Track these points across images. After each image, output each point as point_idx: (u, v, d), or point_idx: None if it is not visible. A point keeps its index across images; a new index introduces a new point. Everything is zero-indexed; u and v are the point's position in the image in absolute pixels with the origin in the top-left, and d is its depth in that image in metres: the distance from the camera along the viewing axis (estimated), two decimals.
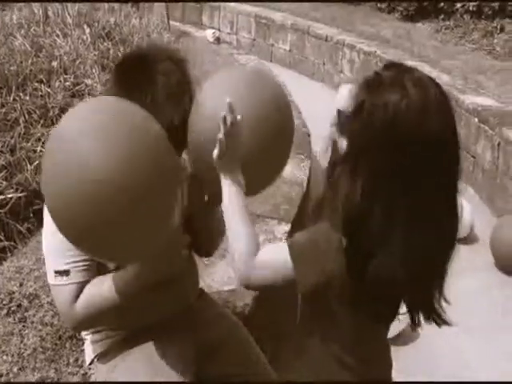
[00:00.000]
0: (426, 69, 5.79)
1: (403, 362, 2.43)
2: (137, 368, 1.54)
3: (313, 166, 3.59)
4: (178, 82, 1.41)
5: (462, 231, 3.77)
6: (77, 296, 1.42)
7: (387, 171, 1.07)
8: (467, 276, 3.24)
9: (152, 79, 1.38)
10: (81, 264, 1.42)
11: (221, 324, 1.73)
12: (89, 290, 1.42)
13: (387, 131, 1.06)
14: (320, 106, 4.74)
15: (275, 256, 1.20)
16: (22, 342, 2.02)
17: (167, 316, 1.59)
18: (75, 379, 1.92)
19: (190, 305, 1.69)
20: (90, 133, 1.14)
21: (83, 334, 1.67)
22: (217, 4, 10.06)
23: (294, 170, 3.35)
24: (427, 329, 1.30)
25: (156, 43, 4.00)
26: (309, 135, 3.98)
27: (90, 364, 1.66)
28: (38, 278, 2.23)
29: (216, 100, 1.28)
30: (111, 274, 1.43)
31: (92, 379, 1.70)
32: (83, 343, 1.98)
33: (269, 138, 1.33)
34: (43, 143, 2.95)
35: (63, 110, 3.30)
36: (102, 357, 1.61)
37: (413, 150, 1.05)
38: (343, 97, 1.16)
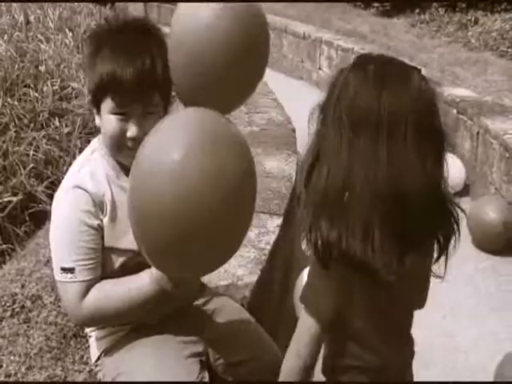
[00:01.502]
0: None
1: None
2: (144, 360, 1.57)
3: (299, 160, 3.67)
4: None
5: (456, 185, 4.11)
6: (83, 295, 1.45)
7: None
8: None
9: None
10: (87, 263, 1.45)
11: (226, 311, 1.78)
12: (99, 293, 1.45)
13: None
14: (302, 103, 4.82)
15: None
16: (27, 342, 2.05)
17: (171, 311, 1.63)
18: (81, 376, 1.96)
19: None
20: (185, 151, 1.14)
21: (87, 330, 1.71)
22: None
23: (282, 166, 3.42)
24: (416, 314, 1.33)
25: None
26: (294, 131, 4.05)
27: (97, 361, 1.69)
28: (40, 280, 2.26)
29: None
30: (126, 283, 1.45)
31: (99, 376, 1.71)
32: (87, 341, 2.05)
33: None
34: (35, 147, 2.99)
35: (52, 114, 3.34)
36: (108, 352, 1.64)
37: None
38: None
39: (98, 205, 1.47)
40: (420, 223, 1.12)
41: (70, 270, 1.45)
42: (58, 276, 1.47)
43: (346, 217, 1.12)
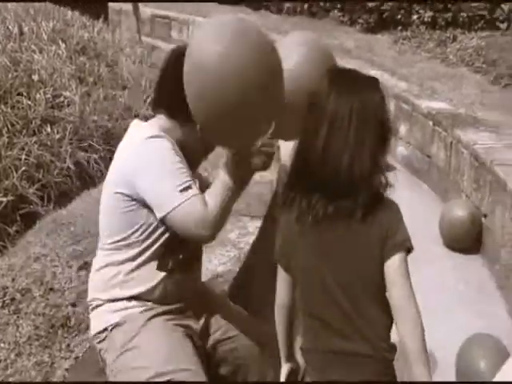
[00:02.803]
0: (385, 77, 6.10)
1: None
2: (159, 339, 1.70)
3: (281, 166, 3.82)
4: None
5: None
6: (205, 203, 1.60)
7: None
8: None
9: None
10: (192, 179, 1.62)
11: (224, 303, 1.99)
12: (208, 197, 1.61)
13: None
14: None
15: None
16: (17, 330, 2.18)
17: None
18: (68, 363, 2.10)
19: (196, 289, 1.89)
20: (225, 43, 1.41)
21: (95, 302, 1.77)
22: (186, 18, 10.29)
23: (263, 172, 3.57)
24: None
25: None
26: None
27: (101, 332, 1.74)
28: (30, 274, 2.40)
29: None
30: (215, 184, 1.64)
31: (99, 347, 1.75)
32: (74, 330, 2.19)
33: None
34: (27, 152, 3.13)
35: (44, 121, 3.49)
36: (119, 326, 1.71)
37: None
38: None
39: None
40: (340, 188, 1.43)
41: (188, 188, 1.61)
42: (179, 199, 1.58)
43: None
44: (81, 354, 2.06)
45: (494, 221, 3.75)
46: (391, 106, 5.61)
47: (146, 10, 10.20)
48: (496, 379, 0.80)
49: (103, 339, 1.74)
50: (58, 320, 2.17)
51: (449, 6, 6.88)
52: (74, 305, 2.24)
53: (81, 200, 3.03)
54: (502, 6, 6.56)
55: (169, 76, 1.73)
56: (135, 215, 1.70)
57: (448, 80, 5.81)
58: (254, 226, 2.96)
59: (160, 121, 1.75)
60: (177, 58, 1.65)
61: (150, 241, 1.71)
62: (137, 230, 1.70)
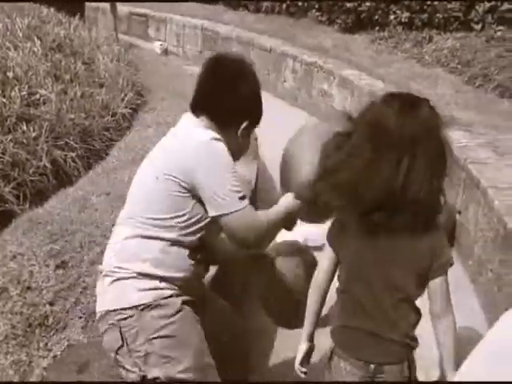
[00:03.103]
0: (362, 77, 6.16)
1: None
2: (192, 331, 1.81)
3: (259, 166, 3.84)
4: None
5: None
6: (257, 215, 1.86)
7: None
8: None
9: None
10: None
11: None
12: (265, 213, 1.91)
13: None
14: (265, 113, 5.01)
15: None
16: None
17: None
18: (46, 362, 2.09)
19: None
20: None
21: (119, 272, 1.79)
22: (163, 17, 10.26)
23: (244, 171, 3.59)
24: None
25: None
26: (256, 139, 4.22)
27: (127, 309, 1.74)
28: (6, 273, 2.37)
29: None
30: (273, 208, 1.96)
31: (122, 324, 1.74)
32: (52, 329, 2.18)
33: None
34: (3, 150, 3.10)
35: (20, 119, 3.45)
36: (152, 308, 1.75)
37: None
38: None
39: None
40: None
41: (245, 197, 1.81)
42: (238, 205, 1.77)
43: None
44: (59, 353, 2.06)
45: (467, 217, 3.82)
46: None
47: (124, 7, 10.15)
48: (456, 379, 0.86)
49: (130, 317, 1.75)
50: (36, 319, 2.16)
51: (425, 7, 6.95)
52: (51, 304, 2.23)
53: (57, 199, 3.02)
54: (477, 7, 6.66)
55: (210, 82, 1.95)
56: (183, 202, 1.82)
57: (423, 80, 5.87)
58: None
59: (203, 123, 1.90)
60: (214, 65, 1.99)
61: (189, 230, 1.83)
62: (180, 216, 1.81)
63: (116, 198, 3.05)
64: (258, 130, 4.34)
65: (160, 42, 8.15)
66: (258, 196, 3.80)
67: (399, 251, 1.64)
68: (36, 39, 4.90)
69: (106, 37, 6.47)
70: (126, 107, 4.25)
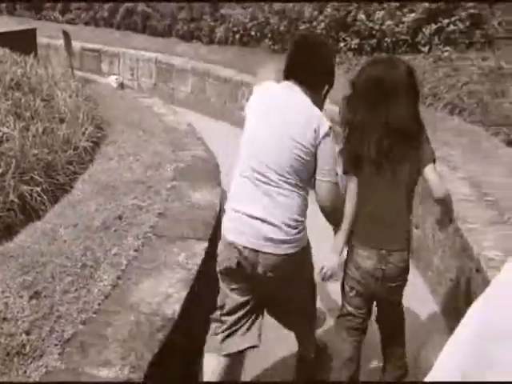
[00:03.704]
0: None
1: None
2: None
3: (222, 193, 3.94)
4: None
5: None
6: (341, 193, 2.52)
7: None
8: None
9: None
10: None
11: None
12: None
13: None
14: (224, 141, 5.20)
15: None
16: None
17: None
18: None
19: None
20: None
21: (295, 222, 2.39)
22: (116, 51, 10.37)
23: (207, 197, 3.69)
24: None
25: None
26: (218, 166, 4.33)
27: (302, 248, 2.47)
28: None
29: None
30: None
31: (297, 259, 2.46)
32: (30, 357, 2.20)
33: None
34: None
35: None
36: (306, 247, 2.54)
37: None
38: None
39: None
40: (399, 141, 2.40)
41: (337, 174, 2.46)
42: (334, 178, 2.43)
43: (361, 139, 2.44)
44: (38, 379, 2.08)
45: (425, 231, 3.98)
46: None
47: (76, 44, 10.23)
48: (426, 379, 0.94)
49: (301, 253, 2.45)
50: (13, 348, 2.18)
51: (373, 32, 7.24)
52: (27, 333, 2.26)
53: (26, 232, 3.05)
54: (423, 30, 6.98)
55: (301, 55, 2.48)
56: (310, 169, 2.38)
57: None
58: (201, 247, 3.06)
59: (295, 86, 2.42)
60: (303, 42, 2.58)
61: (305, 190, 2.44)
62: (307, 180, 2.41)
63: (84, 228, 3.10)
64: (218, 158, 4.50)
65: (115, 76, 8.23)
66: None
67: (405, 161, 2.42)
68: None
69: (63, 73, 6.52)
70: (87, 140, 4.30)
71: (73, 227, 3.08)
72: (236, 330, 2.56)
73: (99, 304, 2.50)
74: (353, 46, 7.47)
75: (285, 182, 2.35)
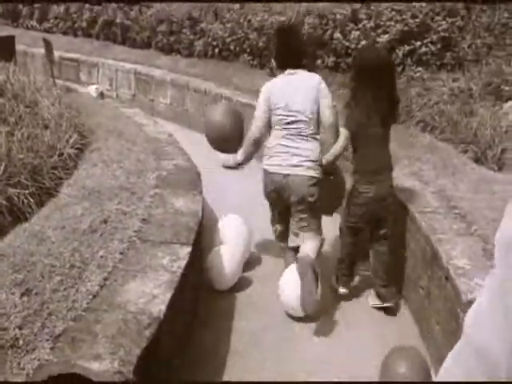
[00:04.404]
0: None
1: None
2: None
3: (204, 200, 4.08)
4: None
5: None
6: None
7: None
8: None
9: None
10: None
11: None
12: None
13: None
14: (203, 152, 5.33)
15: None
16: None
17: None
18: (20, 379, 2.19)
19: None
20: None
21: (309, 162, 3.89)
22: (95, 61, 10.44)
23: (189, 204, 3.81)
24: None
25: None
26: (199, 175, 4.45)
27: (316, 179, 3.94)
28: None
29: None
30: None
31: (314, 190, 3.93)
32: (23, 350, 2.29)
33: None
34: None
35: None
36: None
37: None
38: None
39: None
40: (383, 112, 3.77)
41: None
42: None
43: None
44: (31, 371, 2.17)
45: (399, 242, 4.16)
46: None
47: (54, 52, 10.26)
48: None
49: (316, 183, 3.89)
50: (7, 341, 2.27)
51: (349, 51, 7.47)
52: (20, 328, 2.34)
53: (15, 233, 3.13)
54: (397, 51, 7.24)
55: (288, 45, 4.04)
56: (317, 122, 3.89)
57: None
58: (184, 252, 3.18)
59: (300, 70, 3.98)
60: (288, 32, 4.29)
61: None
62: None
63: (71, 230, 3.20)
64: (199, 167, 4.63)
65: (96, 86, 8.32)
66: (203, 226, 4.01)
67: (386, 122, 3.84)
68: None
69: (44, 81, 6.58)
70: (71, 147, 4.39)
71: (60, 229, 3.17)
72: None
73: (88, 303, 2.60)
74: (329, 64, 7.67)
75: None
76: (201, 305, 3.91)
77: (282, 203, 3.98)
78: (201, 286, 3.98)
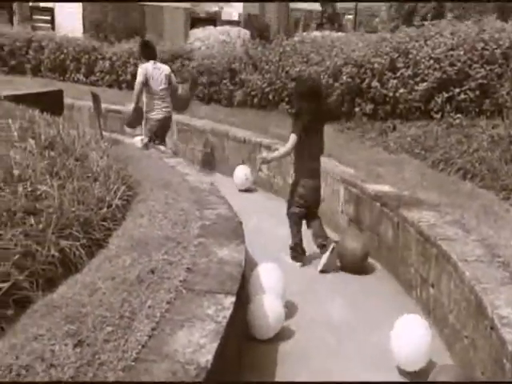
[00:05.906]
0: (333, 162, 6.62)
1: None
2: None
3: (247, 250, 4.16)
4: None
5: None
6: None
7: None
8: None
9: None
10: None
11: None
12: None
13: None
14: (245, 200, 5.43)
15: None
16: None
17: None
18: None
19: None
20: None
21: None
22: None
23: (233, 253, 3.90)
24: None
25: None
26: (241, 224, 4.55)
27: None
28: (30, 352, 2.56)
29: None
30: None
31: None
32: None
33: None
34: (15, 244, 3.34)
35: (26, 213, 3.72)
36: None
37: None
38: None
39: None
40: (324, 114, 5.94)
41: None
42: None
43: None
44: None
45: (440, 289, 4.15)
46: (341, 190, 6.09)
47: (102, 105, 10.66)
48: None
49: None
50: None
51: (387, 99, 7.57)
52: (72, 378, 2.43)
53: (67, 285, 3.26)
54: (436, 98, 7.30)
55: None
56: None
57: (390, 165, 6.33)
58: (228, 301, 3.25)
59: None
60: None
61: None
62: None
63: (121, 281, 3.31)
64: (240, 216, 4.73)
65: (141, 137, 8.57)
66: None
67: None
68: (30, 139, 5.24)
69: (92, 133, 6.86)
70: (120, 199, 4.55)
71: (111, 280, 3.29)
72: None
73: (137, 353, 2.68)
74: (367, 111, 7.77)
75: None
76: (244, 354, 3.95)
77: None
78: (244, 336, 4.03)
